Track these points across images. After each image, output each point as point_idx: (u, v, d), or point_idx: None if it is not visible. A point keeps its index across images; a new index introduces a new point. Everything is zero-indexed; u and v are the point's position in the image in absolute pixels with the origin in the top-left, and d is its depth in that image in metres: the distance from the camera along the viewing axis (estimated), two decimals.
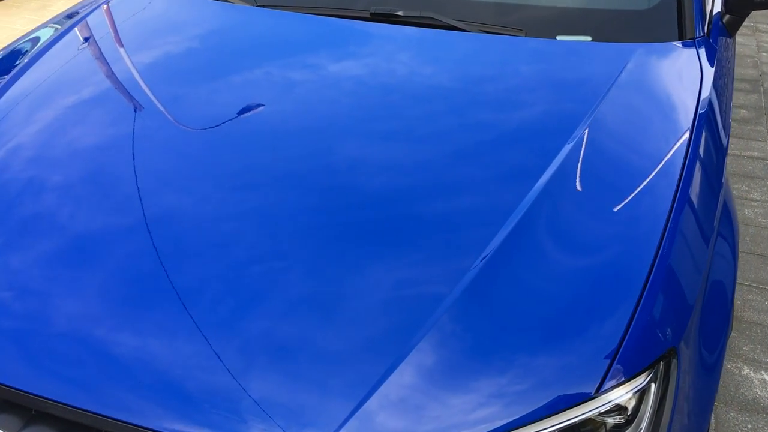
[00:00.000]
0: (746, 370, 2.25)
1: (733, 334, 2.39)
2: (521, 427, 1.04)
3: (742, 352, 2.32)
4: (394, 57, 1.69)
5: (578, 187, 1.34)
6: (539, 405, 1.04)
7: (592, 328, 1.12)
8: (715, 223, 1.40)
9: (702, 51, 1.76)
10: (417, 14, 1.78)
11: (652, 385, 1.13)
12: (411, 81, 1.59)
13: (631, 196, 1.33)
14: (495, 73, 1.63)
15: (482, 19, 1.79)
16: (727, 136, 1.74)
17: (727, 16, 1.99)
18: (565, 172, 1.35)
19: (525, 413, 1.04)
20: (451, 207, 1.27)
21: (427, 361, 1.07)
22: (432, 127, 1.45)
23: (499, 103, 1.52)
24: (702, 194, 1.38)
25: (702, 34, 1.81)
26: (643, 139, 1.46)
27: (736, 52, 3.69)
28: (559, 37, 1.76)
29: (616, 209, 1.31)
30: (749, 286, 2.62)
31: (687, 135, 1.46)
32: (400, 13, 1.80)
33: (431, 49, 1.71)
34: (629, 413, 1.13)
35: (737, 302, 2.53)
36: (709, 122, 1.55)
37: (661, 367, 1.15)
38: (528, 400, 1.05)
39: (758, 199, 3.13)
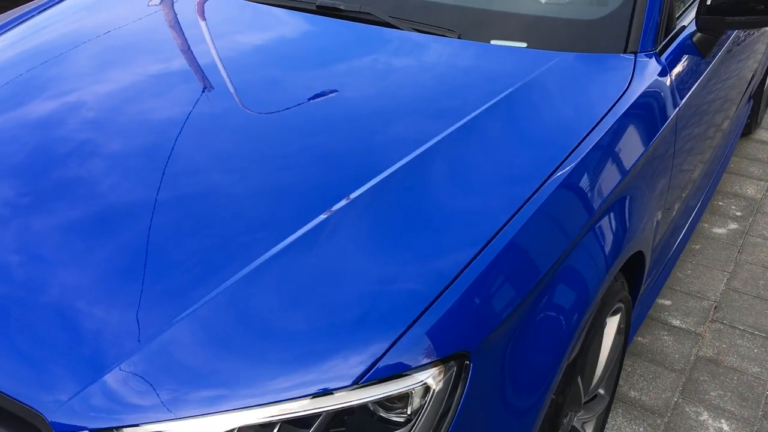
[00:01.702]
0: (705, 416, 2.10)
1: (704, 377, 2.22)
2: (277, 404, 1.06)
3: (708, 397, 2.16)
4: (302, 45, 1.76)
5: (424, 179, 1.33)
6: (292, 385, 1.06)
7: (377, 314, 1.12)
8: (570, 246, 1.33)
9: (642, 66, 1.67)
10: (356, 9, 1.82)
11: (432, 386, 1.11)
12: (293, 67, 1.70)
13: (476, 196, 1.30)
14: (389, 67, 1.65)
15: (421, 19, 1.80)
16: (656, 160, 1.65)
17: (698, 35, 1.88)
18: (413, 166, 1.35)
19: (286, 395, 1.05)
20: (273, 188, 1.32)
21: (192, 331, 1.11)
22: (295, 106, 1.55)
23: (379, 94, 1.55)
24: (560, 212, 1.33)
25: (650, 49, 1.72)
26: (515, 145, 1.42)
27: None
28: (493, 42, 1.74)
29: (452, 203, 1.29)
30: (743, 330, 2.42)
31: (566, 150, 1.40)
32: (342, 8, 1.85)
33: (343, 42, 1.76)
34: (409, 412, 1.11)
35: (722, 345, 2.35)
36: (610, 138, 1.48)
37: (451, 371, 1.12)
38: (288, 381, 1.06)
39: None
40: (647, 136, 1.59)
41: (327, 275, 1.17)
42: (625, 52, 1.71)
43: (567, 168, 1.36)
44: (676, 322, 2.46)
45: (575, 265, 1.34)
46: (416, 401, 1.11)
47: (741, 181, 3.34)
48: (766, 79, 3.48)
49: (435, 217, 1.26)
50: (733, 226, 3.01)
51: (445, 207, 1.29)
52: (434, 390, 1.11)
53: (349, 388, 1.06)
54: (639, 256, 1.71)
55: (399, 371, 1.08)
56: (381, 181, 1.31)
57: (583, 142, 1.43)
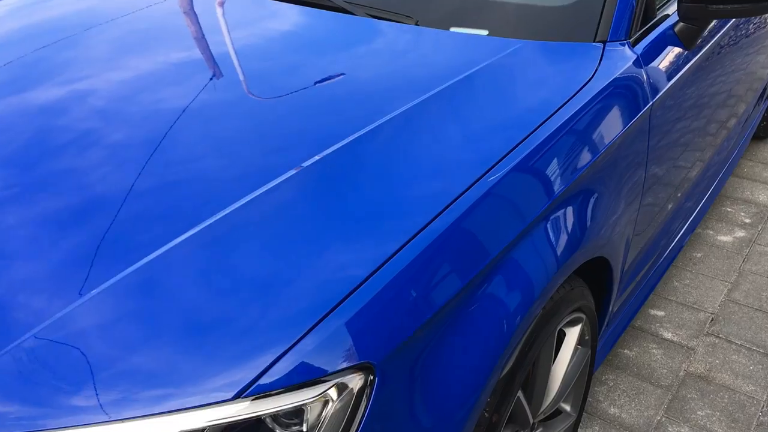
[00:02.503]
0: None
1: (692, 395, 2.07)
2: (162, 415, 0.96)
3: (695, 416, 2.00)
4: (254, 30, 1.69)
5: (356, 164, 1.23)
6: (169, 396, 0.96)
7: (268, 319, 1.01)
8: (508, 246, 1.21)
9: (611, 56, 1.54)
10: None
11: (331, 401, 1.00)
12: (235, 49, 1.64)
13: (410, 186, 1.19)
14: (342, 53, 1.56)
15: (378, 4, 1.70)
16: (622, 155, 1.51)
17: (681, 24, 1.73)
18: (347, 151, 1.25)
19: (160, 408, 0.95)
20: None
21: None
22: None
23: (329, 79, 1.47)
24: (503, 205, 1.21)
25: (622, 38, 1.59)
26: (459, 133, 1.30)
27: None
28: (452, 29, 1.62)
29: (380, 192, 1.18)
30: (739, 345, 2.26)
31: (513, 141, 1.28)
32: None
33: (295, 27, 1.67)
34: (306, 427, 1.01)
35: (715, 361, 2.19)
36: (567, 129, 1.35)
37: (354, 384, 1.01)
38: (173, 391, 0.97)
39: None
40: (612, 130, 1.46)
41: (219, 276, 1.07)
42: (594, 41, 1.58)
43: (512, 160, 1.24)
44: (668, 335, 2.31)
45: (515, 267, 1.21)
46: (312, 417, 1.00)
47: (753, 187, 3.15)
48: None
49: (359, 208, 1.16)
50: (740, 233, 2.83)
51: (372, 196, 1.18)
52: (331, 406, 1.00)
53: (230, 402, 0.95)
54: (605, 265, 1.58)
55: (290, 383, 0.98)
56: (311, 165, 1.23)
57: (534, 133, 1.30)
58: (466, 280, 1.12)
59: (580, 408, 1.75)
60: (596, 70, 1.50)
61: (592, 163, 1.38)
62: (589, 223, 1.39)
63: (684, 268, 2.63)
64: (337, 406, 1.00)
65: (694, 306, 2.43)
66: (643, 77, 1.58)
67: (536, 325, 1.31)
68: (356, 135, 1.28)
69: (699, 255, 2.70)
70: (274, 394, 0.97)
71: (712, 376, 2.15)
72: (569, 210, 1.35)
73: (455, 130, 1.32)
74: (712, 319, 2.37)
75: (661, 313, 2.40)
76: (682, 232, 2.33)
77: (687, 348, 2.25)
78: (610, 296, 1.67)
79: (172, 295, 1.04)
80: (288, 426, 1.01)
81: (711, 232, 2.84)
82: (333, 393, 1.00)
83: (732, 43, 2.13)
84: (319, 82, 1.46)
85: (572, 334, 1.53)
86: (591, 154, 1.39)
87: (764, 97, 3.15)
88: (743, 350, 2.24)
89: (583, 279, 1.55)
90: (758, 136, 3.51)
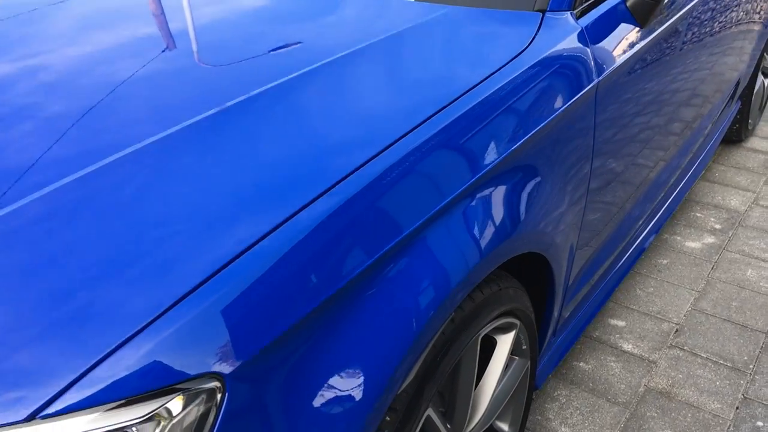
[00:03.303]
0: None
1: (652, 413, 1.87)
2: None
3: None
4: None
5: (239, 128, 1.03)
6: None
7: (86, 318, 0.81)
8: (414, 231, 1.01)
9: (550, 26, 1.36)
10: None
11: (161, 420, 0.79)
12: None
13: (302, 157, 0.99)
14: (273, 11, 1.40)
15: None
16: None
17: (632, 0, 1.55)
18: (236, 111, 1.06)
19: None
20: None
21: None
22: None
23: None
24: (410, 182, 1.01)
25: (565, 9, 1.40)
26: (365, 99, 1.11)
27: None
28: None
29: (263, 163, 0.98)
30: (705, 358, 2.06)
31: (425, 112, 1.09)
32: None
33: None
34: None
35: (678, 375, 1.99)
36: (493, 101, 1.16)
37: (196, 402, 0.81)
38: None
39: None
40: (547, 108, 1.26)
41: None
42: (533, 9, 1.40)
43: (428, 131, 1.05)
44: (628, 347, 2.11)
45: (426, 252, 1.00)
46: None
47: (724, 191, 2.98)
48: (755, 82, 3.13)
49: (242, 175, 0.96)
50: (710, 240, 2.65)
51: (259, 162, 0.99)
52: (165, 428, 0.79)
53: (24, 425, 0.74)
54: (545, 265, 1.39)
55: (104, 401, 0.77)
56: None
57: (454, 103, 1.11)
58: (358, 268, 0.92)
59: (520, 427, 1.54)
60: (532, 40, 1.31)
61: (521, 143, 1.19)
62: (521, 212, 1.20)
63: (648, 275, 2.44)
64: (173, 429, 0.79)
65: (658, 316, 2.24)
66: (587, 53, 1.39)
67: (453, 328, 1.10)
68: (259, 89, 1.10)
69: (665, 262, 2.51)
70: (81, 414, 0.76)
71: (674, 392, 1.95)
72: (496, 194, 1.16)
73: (360, 97, 1.12)
74: (677, 330, 2.18)
75: (621, 323, 2.21)
76: (642, 236, 2.15)
77: (648, 361, 2.06)
78: (553, 300, 1.48)
79: None
80: None
81: (678, 237, 2.66)
82: (164, 412, 0.79)
83: (694, 30, 1.96)
84: (273, 50, 1.27)
85: (504, 343, 1.33)
86: (521, 133, 1.20)
87: (734, 99, 2.99)
88: (709, 364, 2.05)
89: (520, 281, 1.36)
90: (731, 140, 3.35)
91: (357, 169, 0.96)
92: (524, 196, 1.22)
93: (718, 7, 2.09)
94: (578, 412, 1.88)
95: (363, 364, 0.93)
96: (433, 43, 1.29)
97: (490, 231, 1.12)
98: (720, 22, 2.19)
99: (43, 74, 1.29)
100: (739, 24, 2.41)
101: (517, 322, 1.32)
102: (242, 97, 1.12)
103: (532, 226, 1.23)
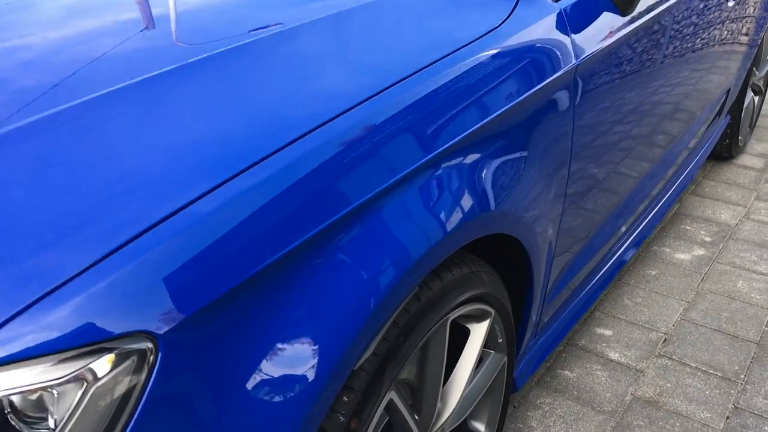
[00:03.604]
0: None
1: (639, 422, 1.79)
2: None
3: None
4: None
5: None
6: None
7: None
8: (371, 200, 0.94)
9: (526, 5, 1.31)
10: None
11: (86, 382, 0.72)
12: None
13: (261, 113, 0.93)
14: None
15: None
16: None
17: None
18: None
19: None
20: None
21: None
22: None
23: None
24: (369, 149, 0.95)
25: None
26: (329, 66, 1.06)
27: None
28: None
29: (226, 119, 0.92)
30: (695, 368, 1.99)
31: (386, 81, 1.03)
32: None
33: None
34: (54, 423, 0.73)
35: (666, 384, 1.92)
36: (460, 76, 1.10)
37: (125, 363, 0.74)
38: None
39: (765, 272, 2.46)
40: (522, 85, 1.21)
41: None
42: None
43: (389, 99, 0.99)
44: (614, 355, 2.04)
45: (382, 224, 0.94)
46: (61, 410, 0.72)
47: (715, 206, 2.93)
48: (744, 96, 3.10)
49: (181, 136, 0.90)
50: (700, 252, 2.59)
51: (209, 123, 0.93)
52: (86, 393, 0.72)
53: None
54: (524, 258, 1.32)
55: (26, 356, 0.70)
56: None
57: (418, 74, 1.06)
58: (303, 236, 0.85)
59: (497, 429, 1.46)
60: (508, 17, 1.27)
61: (491, 121, 1.13)
62: (490, 191, 1.13)
63: (636, 285, 2.37)
64: (97, 393, 0.72)
65: (646, 325, 2.17)
66: (566, 35, 1.35)
67: (418, 307, 1.04)
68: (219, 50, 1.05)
69: (653, 272, 2.45)
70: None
71: (662, 401, 1.87)
72: (462, 170, 1.09)
73: (319, 67, 1.07)
74: (665, 340, 2.11)
75: (608, 332, 2.14)
76: (622, 249, 2.08)
77: (635, 370, 1.98)
78: (532, 295, 1.41)
79: None
80: (29, 415, 0.73)
81: (668, 249, 2.60)
82: (88, 373, 0.72)
83: (684, 56, 1.93)
84: (253, 30, 1.22)
85: (478, 332, 1.26)
86: (491, 110, 1.14)
87: (723, 112, 2.95)
88: (699, 373, 1.97)
89: (499, 273, 1.29)
90: (721, 156, 3.31)
91: (303, 135, 0.90)
92: (494, 175, 1.16)
93: (704, 12, 2.06)
94: (562, 420, 1.80)
95: (314, 334, 0.86)
96: (403, 16, 1.25)
97: (454, 207, 1.05)
98: (705, 30, 2.16)
99: (20, 53, 1.25)
100: (724, 37, 2.39)
101: (491, 310, 1.25)
102: (204, 55, 1.07)
103: (504, 206, 1.17)
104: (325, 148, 0.90)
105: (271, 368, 0.83)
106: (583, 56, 1.37)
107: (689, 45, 2.00)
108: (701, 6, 2.01)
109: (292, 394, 0.84)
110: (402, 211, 0.97)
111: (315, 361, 0.86)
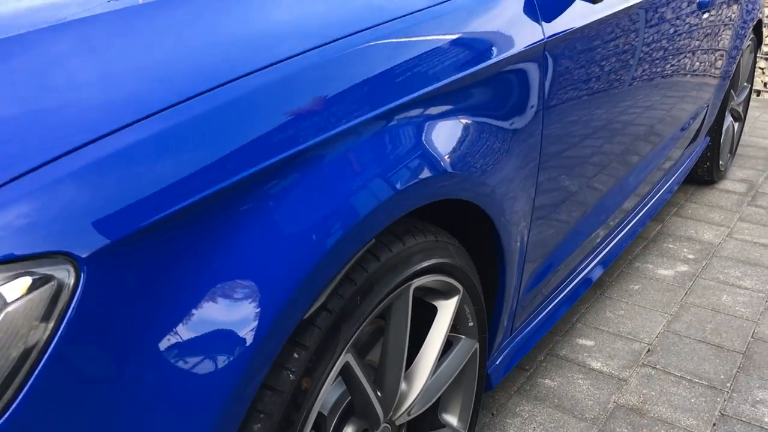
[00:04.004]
0: None
1: (622, 428, 1.71)
2: None
3: None
4: None
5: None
6: None
7: None
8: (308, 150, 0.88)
9: None
10: None
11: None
12: None
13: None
14: None
15: None
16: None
17: None
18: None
19: None
20: None
21: None
22: None
23: None
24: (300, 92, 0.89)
25: None
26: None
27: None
28: None
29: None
30: (679, 377, 1.92)
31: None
32: None
33: None
34: None
35: (650, 393, 1.84)
36: (421, 32, 1.07)
37: (42, 288, 0.68)
38: None
39: (750, 287, 2.41)
40: (485, 51, 1.18)
41: None
42: None
43: (339, 47, 0.96)
44: (596, 365, 1.97)
45: (322, 173, 0.88)
46: None
47: (698, 226, 2.90)
48: (723, 119, 3.11)
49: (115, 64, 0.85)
50: (683, 268, 2.54)
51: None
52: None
53: None
54: (492, 235, 1.28)
55: None
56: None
57: (375, 28, 1.02)
58: (234, 176, 0.79)
59: (470, 426, 1.39)
60: None
61: (445, 85, 1.07)
62: (447, 152, 1.07)
63: (618, 299, 2.32)
64: (6, 319, 0.67)
65: (629, 336, 2.11)
66: (535, 16, 1.33)
67: (377, 267, 0.98)
68: None
69: (636, 287, 2.40)
70: None
71: (646, 408, 1.80)
72: (420, 127, 1.04)
73: (263, 9, 1.03)
74: (649, 350, 2.04)
75: (590, 343, 2.07)
76: (590, 267, 2.01)
77: (618, 379, 1.91)
78: (505, 277, 1.35)
79: None
80: None
81: (650, 266, 2.55)
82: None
83: (654, 82, 1.93)
84: None
85: (446, 310, 1.20)
86: (447, 72, 1.09)
87: (701, 133, 2.95)
88: (684, 382, 1.90)
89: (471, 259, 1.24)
90: (703, 181, 3.30)
91: (247, 75, 0.85)
92: (453, 138, 1.10)
93: (676, 28, 2.07)
94: (542, 427, 1.72)
95: (252, 281, 0.80)
96: None
97: (407, 165, 0.99)
98: (678, 46, 2.16)
99: None
100: (698, 52, 2.40)
101: (459, 287, 1.20)
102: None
103: (463, 170, 1.10)
104: (268, 90, 0.86)
105: (203, 312, 0.77)
106: (553, 35, 1.36)
107: (662, 59, 2.00)
108: (673, 19, 2.02)
109: (227, 340, 0.78)
110: (349, 164, 0.92)
111: (252, 309, 0.80)
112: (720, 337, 2.12)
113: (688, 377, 1.93)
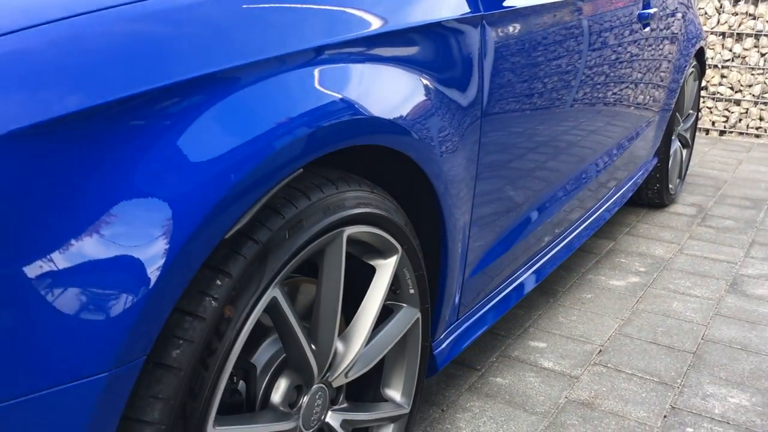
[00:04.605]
0: None
1: (573, 421, 1.68)
2: None
3: None
4: None
5: None
6: None
7: None
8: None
9: None
10: None
11: None
12: None
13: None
14: None
15: None
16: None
17: None
18: None
19: None
20: None
21: None
22: None
23: None
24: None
25: None
26: None
27: None
28: None
29: None
30: (630, 374, 1.91)
31: None
32: None
33: None
34: None
35: (601, 389, 1.83)
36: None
37: None
38: None
39: (699, 295, 2.43)
40: (415, 14, 1.18)
41: None
42: None
43: None
44: (548, 364, 1.95)
45: (236, 103, 0.85)
46: None
47: (649, 243, 2.93)
48: (670, 141, 3.19)
49: None
50: (635, 279, 2.56)
51: None
52: None
53: None
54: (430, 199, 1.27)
55: None
56: None
57: None
58: (113, 95, 0.76)
59: (413, 402, 1.35)
60: None
61: (364, 38, 1.06)
62: (363, 98, 1.04)
63: (571, 307, 2.31)
64: None
65: (581, 339, 2.10)
66: None
67: (307, 204, 0.97)
68: None
69: (589, 296, 2.40)
70: None
71: (597, 403, 1.77)
72: (344, 69, 1.03)
73: None
74: (600, 351, 2.03)
75: (542, 345, 2.06)
76: (523, 278, 1.98)
77: (570, 377, 1.89)
78: (447, 246, 1.34)
79: None
80: None
81: (603, 277, 2.56)
82: None
83: (580, 113, 1.98)
84: None
85: (383, 270, 1.18)
86: (366, 25, 1.09)
87: (649, 153, 3.02)
88: (635, 378, 1.89)
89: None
90: (654, 204, 3.36)
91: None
92: (378, 82, 1.08)
93: (617, 45, 2.13)
94: (492, 421, 1.69)
95: (152, 200, 0.77)
96: None
97: (324, 103, 0.97)
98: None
99: None
100: (641, 66, 2.48)
101: (398, 247, 1.18)
102: None
103: (390, 118, 1.09)
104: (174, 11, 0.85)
105: (106, 229, 0.74)
106: (491, 11, 1.38)
107: (601, 73, 2.06)
108: (615, 35, 2.08)
109: (131, 263, 0.75)
110: (263, 94, 0.90)
111: (159, 230, 0.77)
112: (671, 338, 2.12)
113: (640, 374, 1.91)
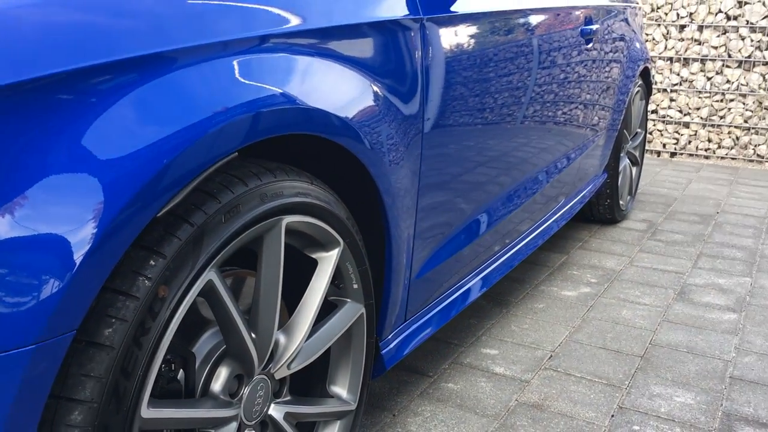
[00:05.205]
0: None
1: (523, 422, 1.70)
2: None
3: None
4: None
5: None
6: None
7: None
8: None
9: None
10: None
11: None
12: None
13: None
14: None
15: None
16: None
17: None
18: None
19: None
20: None
21: None
22: None
23: None
24: None
25: None
26: None
27: None
28: None
29: None
30: (579, 377, 1.94)
31: None
32: None
33: None
34: None
35: (551, 391, 1.85)
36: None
37: None
38: None
39: (648, 303, 2.48)
40: (350, 13, 1.22)
41: None
42: None
43: None
44: (499, 369, 1.97)
45: (172, 84, 0.87)
46: None
47: (601, 256, 2.99)
48: (618, 158, 3.28)
49: None
50: (586, 290, 2.61)
51: None
52: None
53: None
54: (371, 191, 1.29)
55: None
56: None
57: None
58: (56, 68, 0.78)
59: (359, 399, 1.36)
60: None
61: (310, 32, 1.10)
62: (296, 86, 1.06)
63: (524, 316, 2.35)
64: None
65: (532, 345, 2.13)
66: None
67: (244, 191, 0.98)
68: None
69: (541, 306, 2.44)
70: None
71: (547, 404, 1.80)
72: (283, 59, 1.05)
73: None
74: (551, 356, 2.06)
75: (494, 352, 2.08)
76: (472, 283, 2.01)
77: (520, 381, 1.91)
78: (391, 242, 1.36)
79: None
80: None
81: (555, 288, 2.61)
82: None
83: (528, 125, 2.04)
84: None
85: (325, 263, 1.19)
86: (312, 18, 1.13)
87: (602, 170, 3.10)
88: (584, 381, 1.92)
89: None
90: (605, 220, 3.43)
91: None
92: (313, 74, 1.10)
93: (564, 54, 2.20)
94: (443, 424, 1.69)
95: (82, 173, 0.78)
96: None
97: (263, 91, 0.99)
98: (566, 74, 2.30)
99: None
100: (585, 82, 2.55)
101: (340, 240, 1.20)
102: None
103: (322, 105, 1.10)
104: None
105: (32, 201, 0.75)
106: (432, 14, 1.42)
107: (547, 84, 2.12)
108: (560, 49, 2.15)
109: (45, 249, 0.75)
110: (201, 78, 0.91)
111: (79, 207, 0.77)
112: (620, 343, 2.16)
113: (588, 377, 1.94)
